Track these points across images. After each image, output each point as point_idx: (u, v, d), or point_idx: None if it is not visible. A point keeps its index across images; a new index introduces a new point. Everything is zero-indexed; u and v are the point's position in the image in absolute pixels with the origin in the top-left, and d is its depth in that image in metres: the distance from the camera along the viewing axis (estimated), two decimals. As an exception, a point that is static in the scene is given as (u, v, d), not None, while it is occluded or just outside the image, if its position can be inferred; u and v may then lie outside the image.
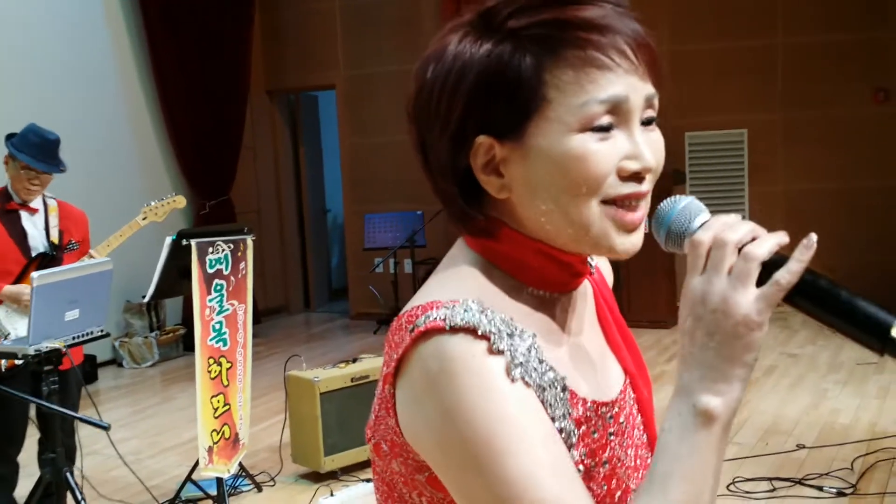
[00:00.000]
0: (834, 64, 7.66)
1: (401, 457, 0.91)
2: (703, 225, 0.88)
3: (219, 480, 4.24)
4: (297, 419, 4.70)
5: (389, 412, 0.90)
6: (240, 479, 4.55)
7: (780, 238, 0.85)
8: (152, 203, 4.39)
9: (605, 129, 0.87)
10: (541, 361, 0.89)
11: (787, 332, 7.38)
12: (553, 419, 0.89)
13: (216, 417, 4.27)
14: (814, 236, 0.83)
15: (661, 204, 0.91)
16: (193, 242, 4.19)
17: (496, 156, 0.91)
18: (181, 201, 4.49)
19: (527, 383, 0.86)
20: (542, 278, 0.97)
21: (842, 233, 7.71)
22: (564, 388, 0.91)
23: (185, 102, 8.26)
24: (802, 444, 4.74)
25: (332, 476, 4.59)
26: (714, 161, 8.15)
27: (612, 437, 0.96)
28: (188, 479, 4.38)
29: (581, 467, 0.91)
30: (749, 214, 8.03)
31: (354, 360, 4.87)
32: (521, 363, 0.86)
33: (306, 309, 9.93)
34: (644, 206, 0.92)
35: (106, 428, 2.92)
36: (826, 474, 4.29)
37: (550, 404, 0.89)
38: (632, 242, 0.92)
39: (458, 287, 0.92)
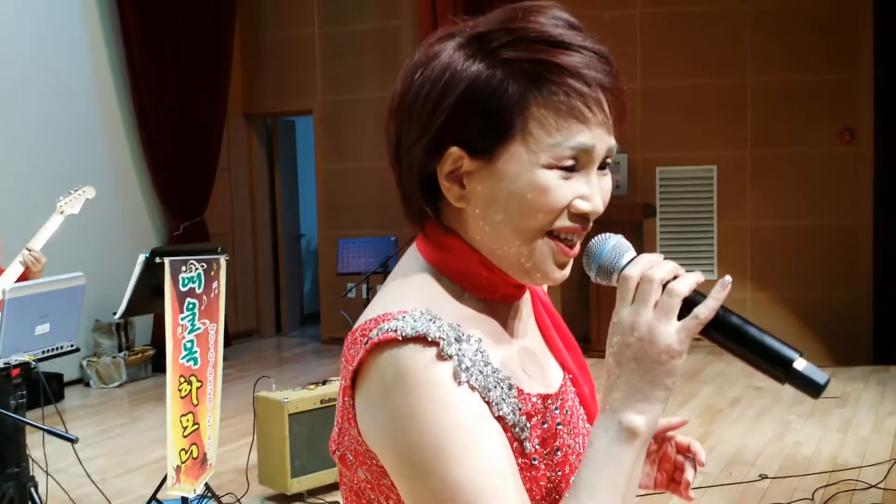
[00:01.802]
0: (802, 104, 7.83)
1: (365, 464, 0.97)
2: (630, 261, 0.98)
3: (184, 500, 4.22)
4: (264, 440, 4.70)
5: (351, 423, 0.97)
6: (205, 500, 4.54)
7: (698, 277, 0.95)
8: (62, 199, 4.39)
9: (568, 169, 0.96)
10: (486, 364, 0.95)
11: (753, 365, 7.47)
12: (502, 417, 0.96)
13: (185, 436, 4.26)
14: (728, 278, 0.96)
15: (593, 241, 1.01)
16: (167, 260, 4.21)
17: (462, 167, 0.97)
18: (90, 191, 4.50)
19: (472, 387, 0.93)
20: (487, 288, 1.03)
21: (807, 269, 7.84)
22: (511, 387, 0.98)
23: (162, 123, 8.28)
24: (765, 474, 4.81)
25: (299, 498, 4.59)
26: (684, 196, 8.27)
27: (560, 427, 1.03)
28: (153, 498, 4.37)
29: (536, 456, 0.98)
30: (717, 249, 8.15)
31: (324, 382, 4.89)
32: (468, 367, 0.93)
33: (278, 333, 9.92)
34: (579, 244, 1.02)
35: (73, 441, 2.93)
36: (787, 504, 4.36)
37: (497, 403, 0.95)
38: (563, 275, 1.02)
39: (407, 297, 0.99)
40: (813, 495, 4.46)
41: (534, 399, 1.00)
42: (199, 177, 8.69)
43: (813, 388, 0.92)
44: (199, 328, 4.38)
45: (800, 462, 5.02)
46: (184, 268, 4.29)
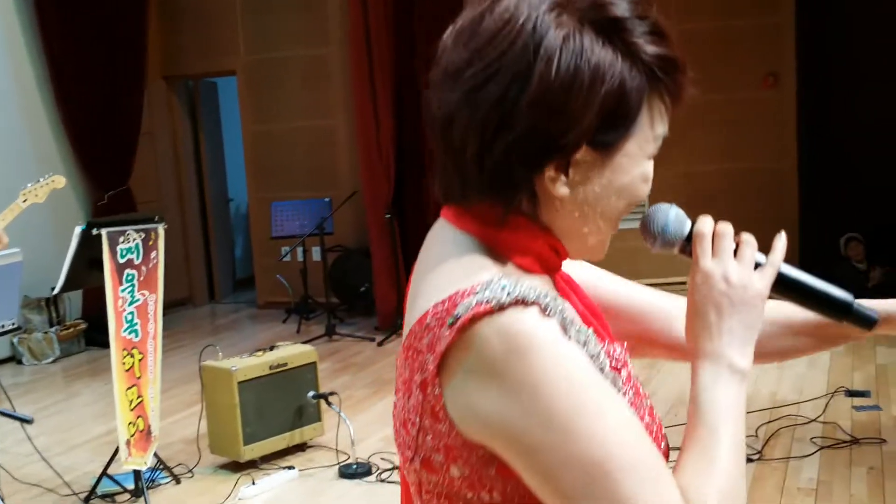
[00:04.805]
0: (727, 49, 7.94)
1: (461, 458, 0.90)
2: (693, 225, 1.04)
3: (136, 473, 4.16)
4: (213, 409, 4.64)
5: (437, 417, 0.90)
6: (157, 472, 4.47)
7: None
8: (29, 185, 4.26)
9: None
10: (573, 320, 0.92)
11: (687, 309, 7.64)
12: (602, 369, 0.93)
13: (131, 410, 4.19)
14: (783, 233, 1.05)
15: (650, 213, 1.05)
16: (104, 232, 4.09)
17: (575, 156, 0.93)
18: (60, 181, 4.36)
19: (577, 341, 0.90)
20: (541, 263, 1.00)
21: (738, 212, 7.98)
22: (596, 342, 0.95)
23: (79, 90, 7.99)
24: (709, 414, 4.92)
25: (252, 465, 4.55)
26: (614, 145, 8.35)
27: (636, 378, 1.03)
28: (104, 473, 4.28)
29: (632, 408, 0.95)
30: (651, 195, 8.26)
31: (271, 348, 4.83)
32: (572, 320, 0.91)
33: (211, 300, 9.76)
34: None
35: (29, 421, 2.84)
36: (733, 442, 4.47)
37: (595, 355, 0.93)
38: None
39: (474, 272, 0.93)
40: (756, 432, 4.59)
41: (616, 351, 0.99)
42: (121, 144, 8.41)
43: (869, 323, 1.06)
44: (138, 300, 4.28)
45: (741, 401, 5.16)
46: (121, 238, 4.19)
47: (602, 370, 0.93)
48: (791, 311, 1.20)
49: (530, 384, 0.85)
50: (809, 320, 1.20)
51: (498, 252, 0.97)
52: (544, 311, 0.88)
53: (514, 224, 0.97)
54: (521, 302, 0.87)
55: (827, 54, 7.90)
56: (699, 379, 0.97)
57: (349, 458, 4.49)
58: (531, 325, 0.86)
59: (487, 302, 0.86)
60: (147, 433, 4.22)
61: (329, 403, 4.72)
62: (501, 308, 0.86)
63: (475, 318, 0.86)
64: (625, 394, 0.96)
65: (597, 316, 1.09)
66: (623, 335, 1.17)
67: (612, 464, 0.85)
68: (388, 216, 7.47)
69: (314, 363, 4.80)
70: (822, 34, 7.85)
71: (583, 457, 0.85)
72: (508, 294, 0.87)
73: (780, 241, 1.02)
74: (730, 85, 7.97)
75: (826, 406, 4.91)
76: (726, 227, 1.02)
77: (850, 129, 7.91)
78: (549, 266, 1.02)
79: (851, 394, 5.13)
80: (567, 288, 1.09)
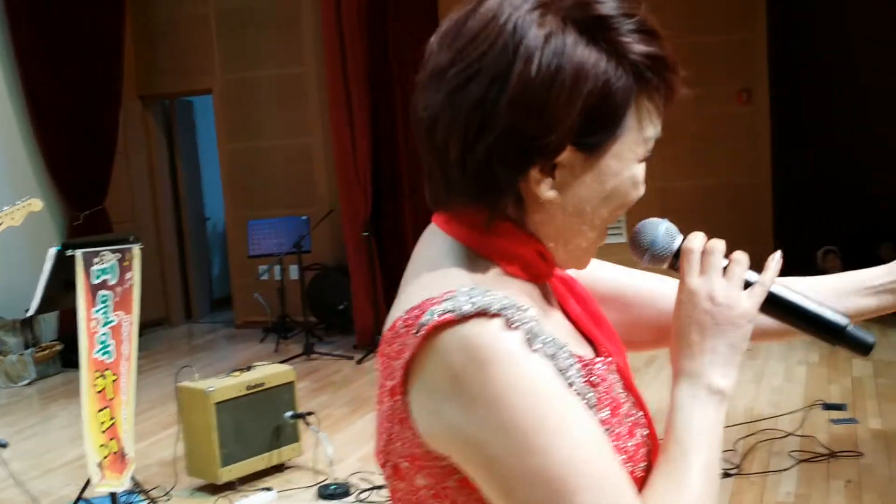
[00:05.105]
0: (701, 65, 7.99)
1: (425, 468, 0.90)
2: (683, 240, 1.02)
3: (112, 495, 4.11)
4: (190, 431, 4.59)
5: (405, 424, 0.89)
6: (133, 495, 4.42)
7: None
8: (5, 208, 4.21)
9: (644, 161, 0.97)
10: (543, 332, 0.90)
11: (665, 323, 7.67)
12: (572, 384, 0.91)
13: (103, 432, 4.14)
14: (779, 252, 1.01)
15: (640, 227, 1.04)
16: (78, 253, 4.06)
17: (560, 158, 0.91)
18: (37, 204, 4.31)
19: (545, 354, 0.88)
20: (529, 270, 0.98)
21: (714, 227, 7.95)
22: (570, 355, 0.93)
23: (55, 109, 7.94)
24: (688, 429, 4.93)
25: (230, 487, 4.51)
26: (591, 161, 8.38)
27: (620, 393, 0.99)
28: (80, 497, 4.23)
29: (608, 426, 0.93)
30: (626, 213, 8.30)
31: (248, 368, 4.79)
32: (538, 334, 0.88)
33: (188, 320, 9.70)
34: None
35: (3, 445, 2.80)
36: (712, 457, 4.48)
37: (564, 369, 0.90)
38: None
39: (448, 280, 0.92)
40: (734, 446, 4.60)
41: (596, 364, 0.96)
42: (97, 164, 8.36)
43: (864, 348, 1.00)
44: (112, 321, 4.24)
45: (719, 415, 5.17)
46: (96, 259, 4.15)
47: (572, 384, 0.90)
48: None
49: (489, 396, 0.83)
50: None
51: (484, 258, 0.96)
52: (508, 322, 0.86)
53: (501, 230, 0.95)
54: (485, 313, 0.85)
55: (799, 69, 7.99)
56: (676, 398, 0.96)
57: (327, 478, 4.46)
58: (492, 336, 0.85)
59: (452, 311, 0.85)
60: (121, 455, 4.17)
61: (307, 423, 4.69)
62: (464, 318, 0.85)
63: (438, 328, 0.85)
64: (599, 410, 0.93)
65: (598, 322, 1.07)
66: (641, 324, 1.18)
67: (572, 480, 0.83)
68: (365, 234, 7.46)
69: (292, 383, 4.77)
70: (794, 50, 7.95)
71: (542, 472, 0.83)
72: (473, 304, 0.85)
73: (774, 262, 1.00)
74: (703, 101, 8.02)
75: (803, 420, 4.93)
76: (717, 244, 0.99)
77: (823, 144, 8.00)
78: (538, 273, 0.99)
79: (828, 407, 5.16)
80: (567, 293, 1.07)
